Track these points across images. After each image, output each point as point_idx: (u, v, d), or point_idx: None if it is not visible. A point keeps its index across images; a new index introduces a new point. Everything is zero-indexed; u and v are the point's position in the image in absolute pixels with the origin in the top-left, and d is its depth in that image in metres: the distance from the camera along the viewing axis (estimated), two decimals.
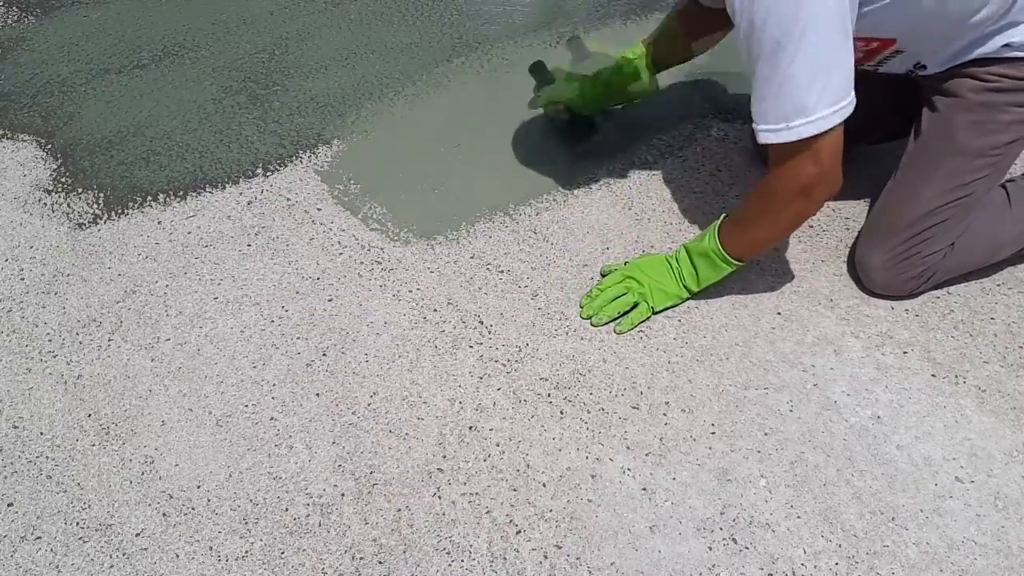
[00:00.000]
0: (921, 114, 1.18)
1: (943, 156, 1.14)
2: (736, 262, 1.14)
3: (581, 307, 1.23)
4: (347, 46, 1.84)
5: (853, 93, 0.96)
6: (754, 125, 0.99)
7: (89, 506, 1.01)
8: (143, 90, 1.72)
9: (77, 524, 0.99)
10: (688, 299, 1.22)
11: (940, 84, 1.14)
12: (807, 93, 0.93)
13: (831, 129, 0.95)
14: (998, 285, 1.25)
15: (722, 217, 1.16)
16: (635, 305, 1.19)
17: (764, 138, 0.98)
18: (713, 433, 1.07)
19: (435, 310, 1.24)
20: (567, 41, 1.53)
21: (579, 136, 1.53)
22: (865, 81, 1.02)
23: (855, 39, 1.01)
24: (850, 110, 0.96)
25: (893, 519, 0.98)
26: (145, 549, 0.97)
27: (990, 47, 1.06)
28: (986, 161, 1.12)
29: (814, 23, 0.89)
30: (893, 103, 1.29)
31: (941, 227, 1.15)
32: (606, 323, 1.20)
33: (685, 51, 1.40)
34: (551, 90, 1.46)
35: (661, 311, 1.21)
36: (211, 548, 0.97)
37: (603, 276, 1.27)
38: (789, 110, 0.94)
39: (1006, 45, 1.05)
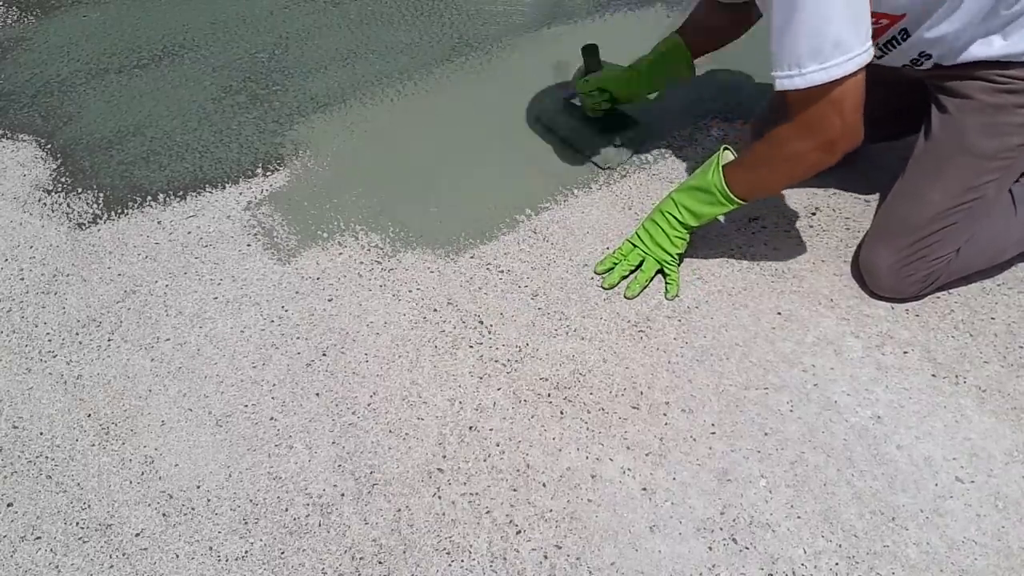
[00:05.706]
0: (930, 115, 1.16)
1: (954, 159, 1.12)
2: (738, 201, 1.13)
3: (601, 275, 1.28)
4: (347, 46, 1.84)
5: (871, 43, 0.95)
6: (771, 73, 0.99)
7: (89, 506, 1.01)
8: (143, 90, 1.72)
9: (77, 524, 0.99)
10: (687, 238, 1.21)
11: (949, 84, 1.12)
12: (822, 39, 0.92)
13: (849, 77, 0.94)
14: (998, 285, 1.25)
15: (721, 151, 1.15)
16: (641, 263, 1.24)
17: (779, 85, 0.98)
18: (713, 433, 1.07)
19: (435, 310, 1.24)
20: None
21: (617, 127, 1.53)
22: (868, 83, 1.01)
23: None
24: (867, 58, 0.95)
25: (893, 519, 0.98)
26: (145, 549, 0.97)
27: (1005, 49, 1.04)
28: (998, 164, 1.10)
29: None
30: (896, 105, 1.28)
31: (950, 231, 1.14)
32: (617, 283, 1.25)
33: (716, 41, 1.41)
34: (597, 78, 1.45)
35: (671, 260, 1.22)
36: (211, 548, 0.97)
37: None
38: (802, 54, 0.93)
39: None
